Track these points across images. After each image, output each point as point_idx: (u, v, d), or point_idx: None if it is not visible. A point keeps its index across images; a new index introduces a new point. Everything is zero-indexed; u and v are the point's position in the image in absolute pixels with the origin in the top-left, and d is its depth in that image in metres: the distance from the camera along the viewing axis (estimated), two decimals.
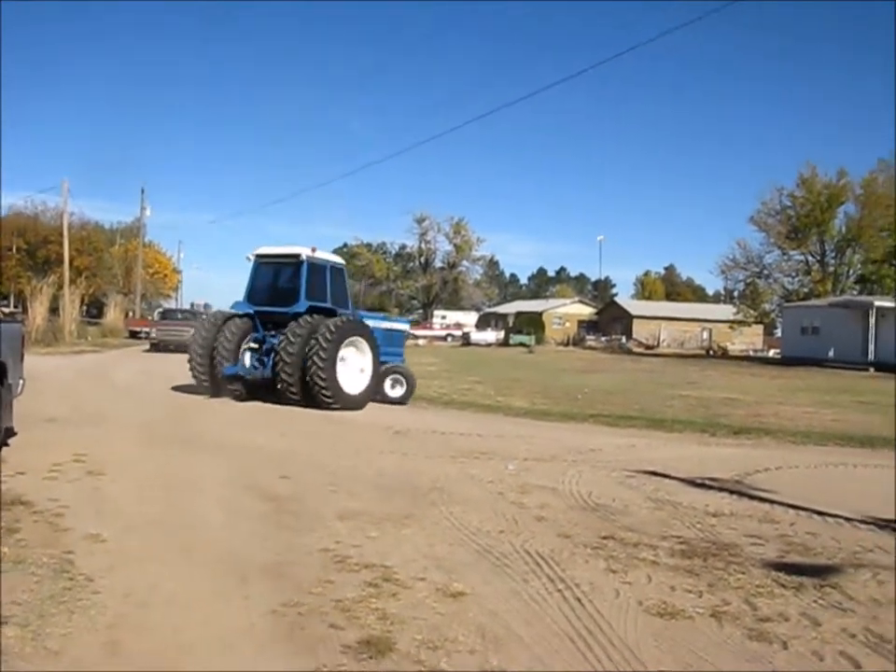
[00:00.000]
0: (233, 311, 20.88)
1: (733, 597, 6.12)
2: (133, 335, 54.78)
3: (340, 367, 18.64)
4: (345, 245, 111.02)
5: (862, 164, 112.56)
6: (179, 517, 8.03)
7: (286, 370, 18.52)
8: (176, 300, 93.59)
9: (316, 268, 19.91)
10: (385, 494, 9.49)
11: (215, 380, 19.94)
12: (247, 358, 19.40)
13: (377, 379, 19.76)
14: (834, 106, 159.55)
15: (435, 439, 14.43)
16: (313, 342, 18.33)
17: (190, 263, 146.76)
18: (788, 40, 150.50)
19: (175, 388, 21.67)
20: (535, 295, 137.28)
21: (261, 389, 19.23)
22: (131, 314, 65.87)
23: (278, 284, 20.58)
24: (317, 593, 5.83)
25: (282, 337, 18.81)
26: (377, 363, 19.59)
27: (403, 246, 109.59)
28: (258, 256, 20.77)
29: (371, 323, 20.96)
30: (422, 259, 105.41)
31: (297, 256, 19.77)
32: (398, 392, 20.83)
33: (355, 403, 18.72)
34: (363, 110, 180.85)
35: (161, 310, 55.51)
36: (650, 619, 5.63)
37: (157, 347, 41.25)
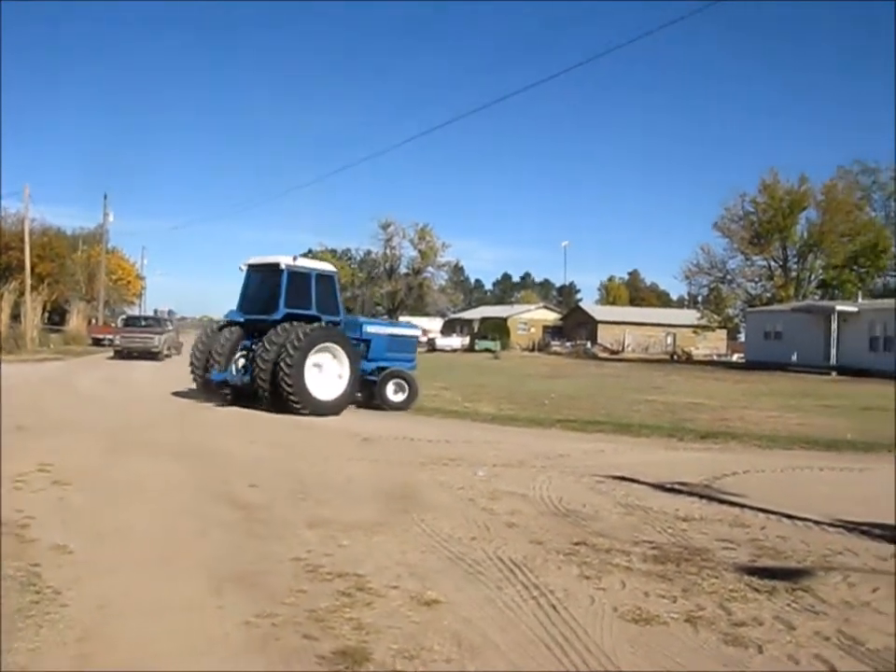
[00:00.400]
0: (228, 319, 21.24)
1: (707, 602, 6.12)
2: (97, 342, 54.25)
3: (311, 373, 18.75)
4: (310, 251, 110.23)
5: (824, 171, 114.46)
6: (148, 526, 7.92)
7: (261, 376, 18.79)
8: (140, 306, 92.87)
9: (298, 276, 20.04)
10: (354, 501, 9.43)
11: (209, 386, 20.33)
12: (236, 365, 19.79)
13: (356, 386, 19.75)
14: (797, 113, 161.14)
15: (404, 445, 14.37)
16: (282, 349, 18.50)
17: (154, 270, 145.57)
18: (749, 45, 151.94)
19: (142, 396, 21.42)
20: (500, 301, 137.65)
21: (247, 396, 19.45)
22: (94, 320, 65.19)
23: (263, 292, 20.67)
24: (291, 603, 5.77)
25: (260, 344, 19.07)
26: (355, 370, 19.51)
27: (368, 252, 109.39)
28: (248, 266, 21.19)
29: (372, 329, 21.65)
30: (387, 265, 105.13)
31: (277, 265, 20.01)
32: (399, 397, 20.94)
33: (327, 409, 18.71)
34: (329, 116, 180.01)
35: (124, 317, 54.92)
36: (625, 625, 5.61)
37: (121, 354, 40.83)
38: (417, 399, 21.14)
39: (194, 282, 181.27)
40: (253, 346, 19.61)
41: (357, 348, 20.80)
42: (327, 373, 19.24)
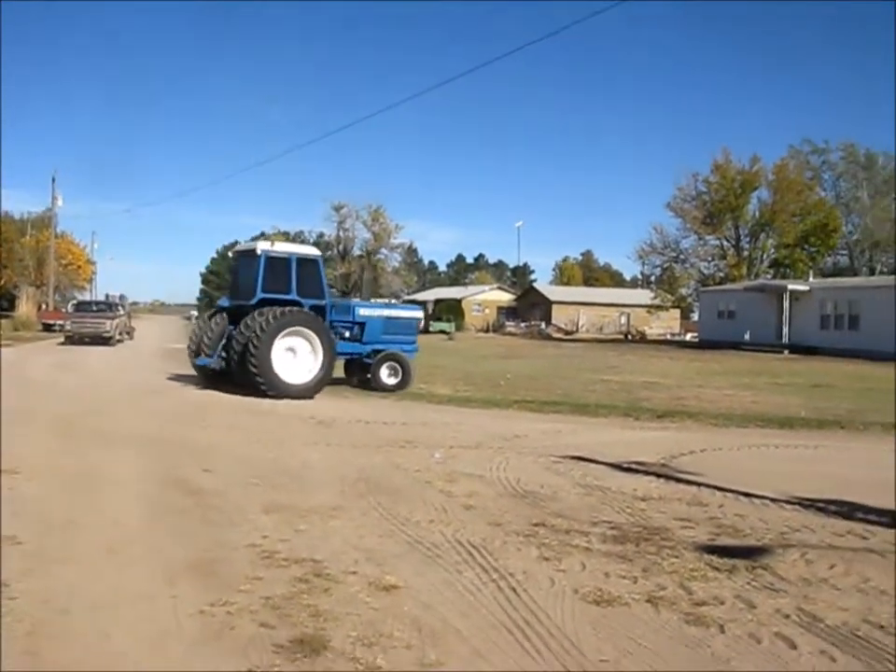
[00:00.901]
0: (218, 306, 21.62)
1: (667, 582, 6.10)
2: (48, 328, 53.41)
3: (280, 356, 18.91)
4: (263, 234, 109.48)
5: (775, 150, 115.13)
6: (100, 515, 7.75)
7: (234, 359, 19.17)
8: (91, 291, 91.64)
9: (276, 261, 20.04)
10: (310, 486, 9.32)
11: (202, 370, 20.78)
12: (220, 350, 19.97)
13: (329, 370, 19.60)
14: (749, 92, 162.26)
15: (359, 428, 14.26)
16: (252, 333, 18.70)
17: (105, 254, 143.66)
18: (701, 22, 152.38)
19: (94, 382, 21.10)
20: (454, 282, 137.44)
21: (227, 380, 19.86)
22: (44, 306, 64.29)
23: (245, 279, 20.77)
24: (246, 590, 5.65)
25: (236, 329, 19.36)
26: (329, 353, 19.45)
27: (321, 235, 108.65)
28: (235, 252, 21.83)
29: (365, 312, 21.75)
30: (340, 248, 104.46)
31: (253, 250, 20.26)
32: (392, 381, 20.99)
33: (299, 392, 18.75)
34: (282, 97, 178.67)
35: (75, 302, 54.12)
36: (586, 607, 5.57)
37: (72, 340, 40.22)
38: (411, 383, 21.12)
39: (146, 266, 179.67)
40: (233, 331, 19.71)
41: (352, 331, 21.17)
42: (299, 357, 19.29)
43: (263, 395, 18.39)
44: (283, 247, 21.32)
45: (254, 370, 18.57)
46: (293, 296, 19.82)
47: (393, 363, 21.14)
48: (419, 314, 24.61)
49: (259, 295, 19.57)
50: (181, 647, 4.74)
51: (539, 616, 5.35)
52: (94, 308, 45.83)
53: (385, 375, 21.03)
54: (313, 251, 22.12)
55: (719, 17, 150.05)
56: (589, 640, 5.00)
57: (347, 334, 21.36)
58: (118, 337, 42.06)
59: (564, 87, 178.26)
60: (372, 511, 8.13)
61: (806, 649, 4.98)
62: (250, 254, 20.51)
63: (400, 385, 20.89)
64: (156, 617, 5.18)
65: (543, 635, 5.04)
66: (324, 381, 19.45)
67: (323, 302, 20.42)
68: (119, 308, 48.08)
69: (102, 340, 39.97)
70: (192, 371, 21.47)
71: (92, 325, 40.50)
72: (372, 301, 24.54)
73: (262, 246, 20.26)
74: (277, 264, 19.99)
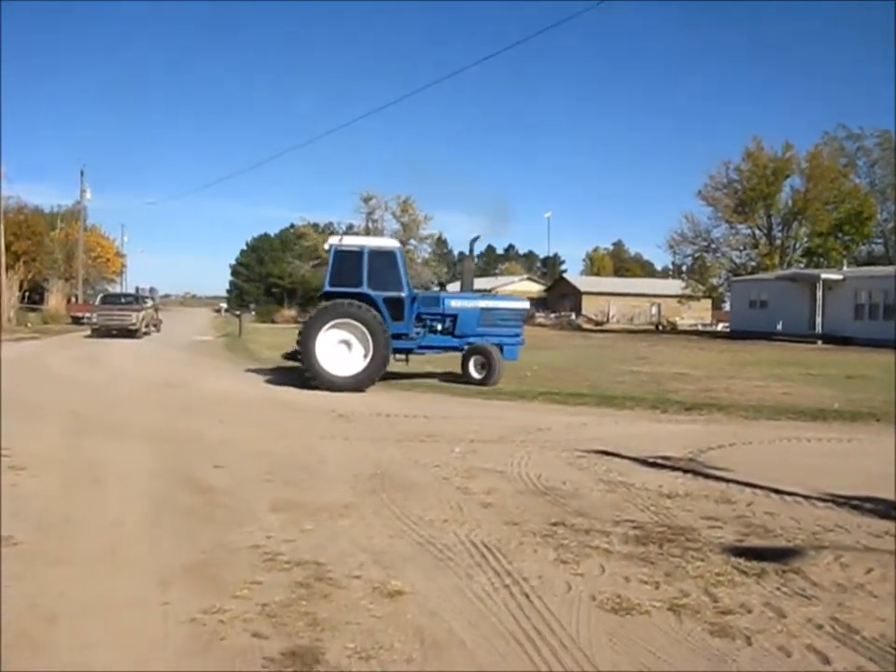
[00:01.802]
0: None
1: (691, 588, 5.73)
2: (76, 321, 53.76)
3: (326, 348, 19.00)
4: (292, 226, 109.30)
5: (808, 137, 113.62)
6: (101, 514, 7.49)
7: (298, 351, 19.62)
8: (121, 284, 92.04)
9: (346, 255, 20.10)
10: (323, 482, 9.03)
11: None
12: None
13: (381, 362, 19.18)
14: (781, 79, 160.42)
15: (379, 422, 13.97)
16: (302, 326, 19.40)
17: (135, 247, 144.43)
18: (737, 9, 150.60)
19: (112, 376, 20.95)
20: (483, 273, 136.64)
21: None
22: (73, 299, 64.59)
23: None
24: (243, 596, 5.35)
25: None
26: (380, 345, 19.05)
27: (350, 226, 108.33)
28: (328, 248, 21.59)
29: (457, 304, 20.95)
30: None
31: (329, 246, 20.78)
32: (481, 374, 20.33)
33: (346, 385, 18.62)
34: (308, 90, 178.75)
35: (102, 295, 54.32)
36: (603, 615, 5.21)
37: (98, 332, 40.30)
38: (496, 376, 20.24)
39: (178, 259, 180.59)
40: None
41: (443, 324, 20.84)
42: (351, 350, 19.26)
43: (317, 387, 18.52)
44: (355, 241, 21.62)
45: (301, 363, 19.09)
46: (363, 289, 19.59)
47: (479, 356, 20.49)
48: (523, 304, 23.39)
49: (326, 288, 19.85)
50: (165, 660, 4.43)
51: (553, 626, 5.00)
52: (122, 301, 45.87)
53: (474, 368, 20.43)
54: (390, 243, 21.95)
55: (749, 4, 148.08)
56: (604, 653, 4.65)
57: (439, 327, 20.92)
58: (144, 329, 42.13)
59: (593, 76, 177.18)
60: (384, 510, 7.82)
61: (841, 664, 4.61)
62: (327, 251, 20.85)
63: (485, 381, 20.10)
64: (144, 626, 4.88)
65: (555, 647, 4.70)
66: (375, 373, 19.10)
67: (402, 294, 20.11)
68: (147, 301, 48.17)
69: (128, 332, 40.04)
70: (220, 364, 21.49)
71: (119, 317, 40.57)
72: (471, 292, 22.78)
73: (332, 241, 20.73)
74: (348, 258, 19.94)
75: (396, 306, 19.89)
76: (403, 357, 21.12)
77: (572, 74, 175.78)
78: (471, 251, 25.64)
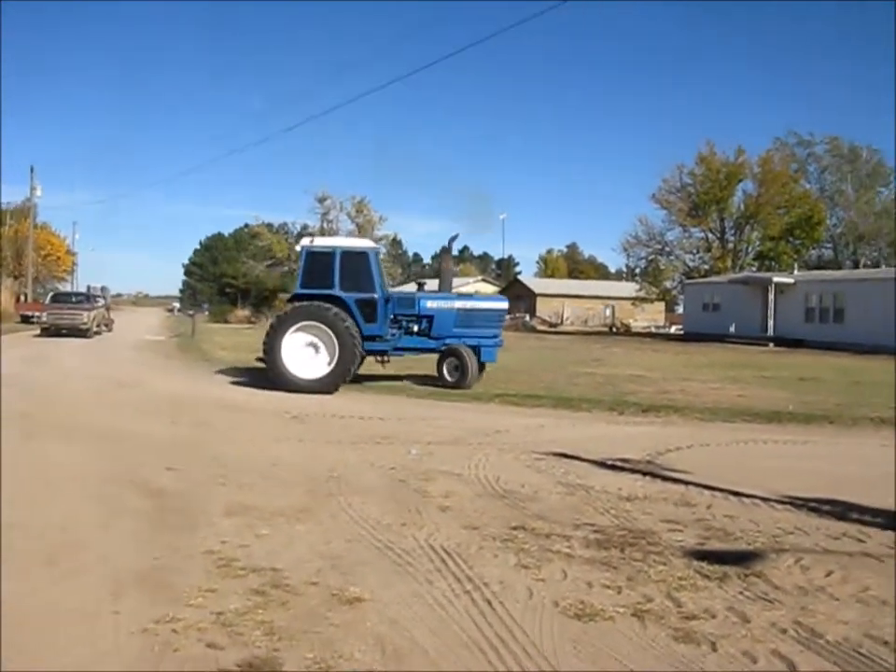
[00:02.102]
0: None
1: (655, 592, 5.66)
2: (25, 320, 52.89)
3: (291, 351, 18.71)
4: (246, 226, 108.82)
5: (760, 142, 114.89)
6: (48, 519, 7.26)
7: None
8: (72, 283, 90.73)
9: (317, 256, 19.73)
10: (278, 485, 8.86)
11: None
12: None
13: (346, 365, 18.68)
14: (734, 85, 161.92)
15: (334, 423, 13.81)
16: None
17: (87, 245, 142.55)
18: (688, 15, 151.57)
19: (62, 375, 20.55)
20: (438, 274, 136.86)
21: None
22: (22, 297, 63.67)
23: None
24: (197, 604, 5.19)
25: None
26: (346, 348, 18.56)
27: (305, 227, 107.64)
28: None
29: (433, 304, 20.36)
30: None
31: (301, 247, 20.27)
32: (454, 376, 19.71)
33: (310, 387, 18.25)
34: (262, 87, 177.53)
35: (53, 293, 53.54)
36: (567, 622, 5.12)
37: (48, 332, 39.62)
38: (470, 378, 19.54)
39: (130, 258, 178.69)
40: None
41: (420, 325, 20.31)
42: (316, 352, 18.86)
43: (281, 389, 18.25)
44: (327, 241, 21.40)
45: (266, 364, 18.98)
46: (335, 291, 19.18)
47: (453, 358, 19.90)
48: (502, 304, 22.21)
49: (297, 290, 19.61)
50: None
51: (515, 633, 4.90)
52: (73, 300, 45.18)
53: (447, 371, 19.86)
54: (362, 244, 21.48)
55: (702, 8, 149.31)
56: (569, 660, 4.56)
57: (415, 328, 20.38)
58: (95, 329, 41.50)
59: (549, 78, 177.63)
60: (342, 514, 7.68)
61: (806, 668, 4.56)
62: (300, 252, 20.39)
63: (458, 383, 19.56)
64: (93, 637, 4.70)
65: (519, 655, 4.59)
66: (340, 375, 18.68)
67: (375, 296, 19.62)
68: (98, 300, 47.48)
69: (79, 332, 39.41)
70: (166, 363, 21.11)
71: (69, 316, 39.94)
72: (448, 292, 22.01)
73: (304, 242, 20.35)
74: (320, 259, 19.55)
75: (369, 307, 19.45)
76: (381, 359, 20.76)
77: (526, 76, 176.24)
78: (450, 249, 23.91)
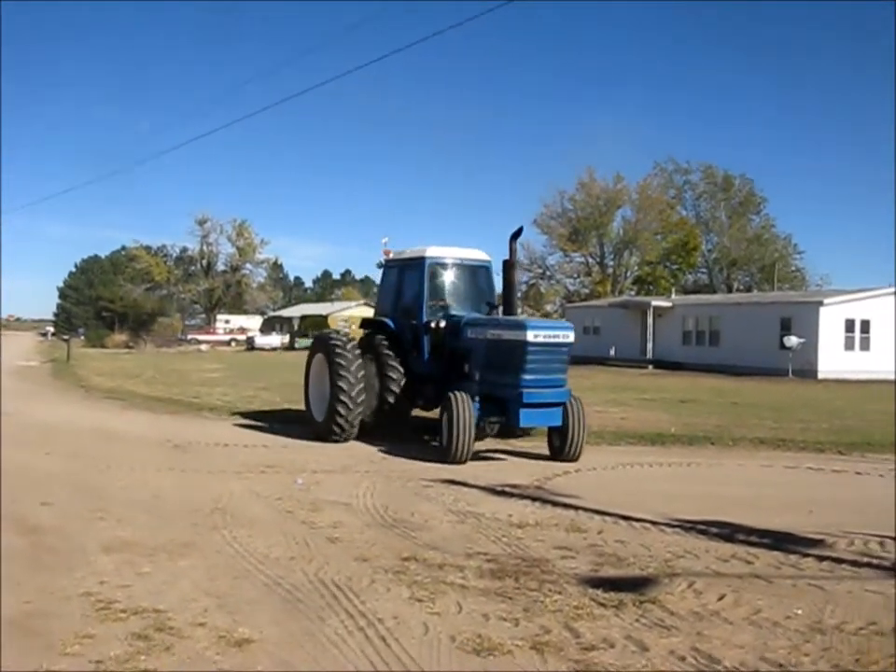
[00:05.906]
0: None
1: (552, 623, 5.57)
2: None
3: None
4: (124, 248, 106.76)
5: (641, 168, 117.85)
6: None
7: None
8: None
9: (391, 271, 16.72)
10: (160, 519, 8.52)
11: None
12: None
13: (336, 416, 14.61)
14: (615, 111, 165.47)
15: (217, 452, 13.44)
16: None
17: None
18: (564, 41, 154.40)
19: None
20: (320, 298, 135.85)
21: None
22: None
23: None
24: (74, 653, 4.89)
25: None
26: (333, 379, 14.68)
27: (185, 249, 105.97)
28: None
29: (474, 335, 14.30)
30: (204, 262, 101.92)
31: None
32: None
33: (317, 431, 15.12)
34: (144, 109, 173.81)
35: None
36: (465, 657, 4.99)
37: None
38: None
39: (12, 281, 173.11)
40: None
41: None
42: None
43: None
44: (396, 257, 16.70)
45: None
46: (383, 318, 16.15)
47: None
48: (563, 334, 13.59)
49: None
50: None
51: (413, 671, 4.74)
52: None
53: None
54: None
55: (586, 32, 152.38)
56: None
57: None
58: None
59: (426, 100, 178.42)
60: (227, 548, 7.42)
61: None
62: None
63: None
64: None
65: None
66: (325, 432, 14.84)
67: (412, 322, 15.46)
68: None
69: None
70: (40, 390, 19.83)
71: None
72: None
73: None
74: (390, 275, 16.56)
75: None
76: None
77: (402, 98, 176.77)
78: (513, 251, 15.45)
